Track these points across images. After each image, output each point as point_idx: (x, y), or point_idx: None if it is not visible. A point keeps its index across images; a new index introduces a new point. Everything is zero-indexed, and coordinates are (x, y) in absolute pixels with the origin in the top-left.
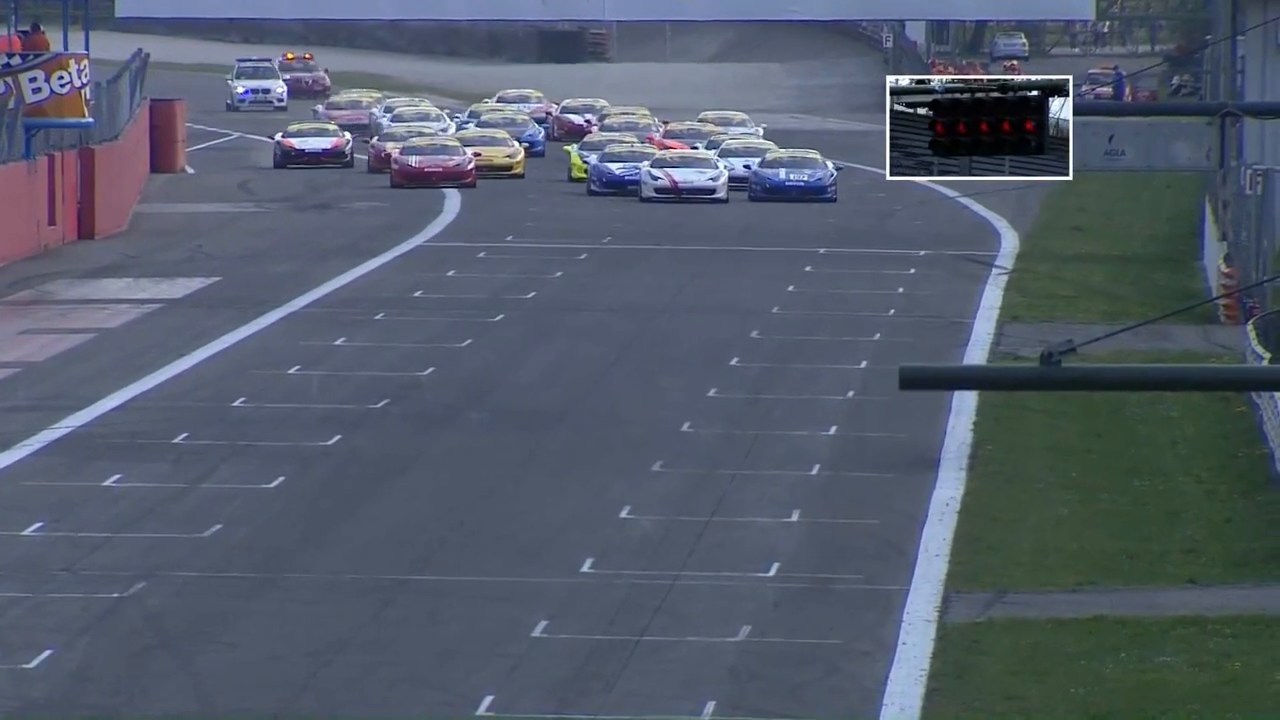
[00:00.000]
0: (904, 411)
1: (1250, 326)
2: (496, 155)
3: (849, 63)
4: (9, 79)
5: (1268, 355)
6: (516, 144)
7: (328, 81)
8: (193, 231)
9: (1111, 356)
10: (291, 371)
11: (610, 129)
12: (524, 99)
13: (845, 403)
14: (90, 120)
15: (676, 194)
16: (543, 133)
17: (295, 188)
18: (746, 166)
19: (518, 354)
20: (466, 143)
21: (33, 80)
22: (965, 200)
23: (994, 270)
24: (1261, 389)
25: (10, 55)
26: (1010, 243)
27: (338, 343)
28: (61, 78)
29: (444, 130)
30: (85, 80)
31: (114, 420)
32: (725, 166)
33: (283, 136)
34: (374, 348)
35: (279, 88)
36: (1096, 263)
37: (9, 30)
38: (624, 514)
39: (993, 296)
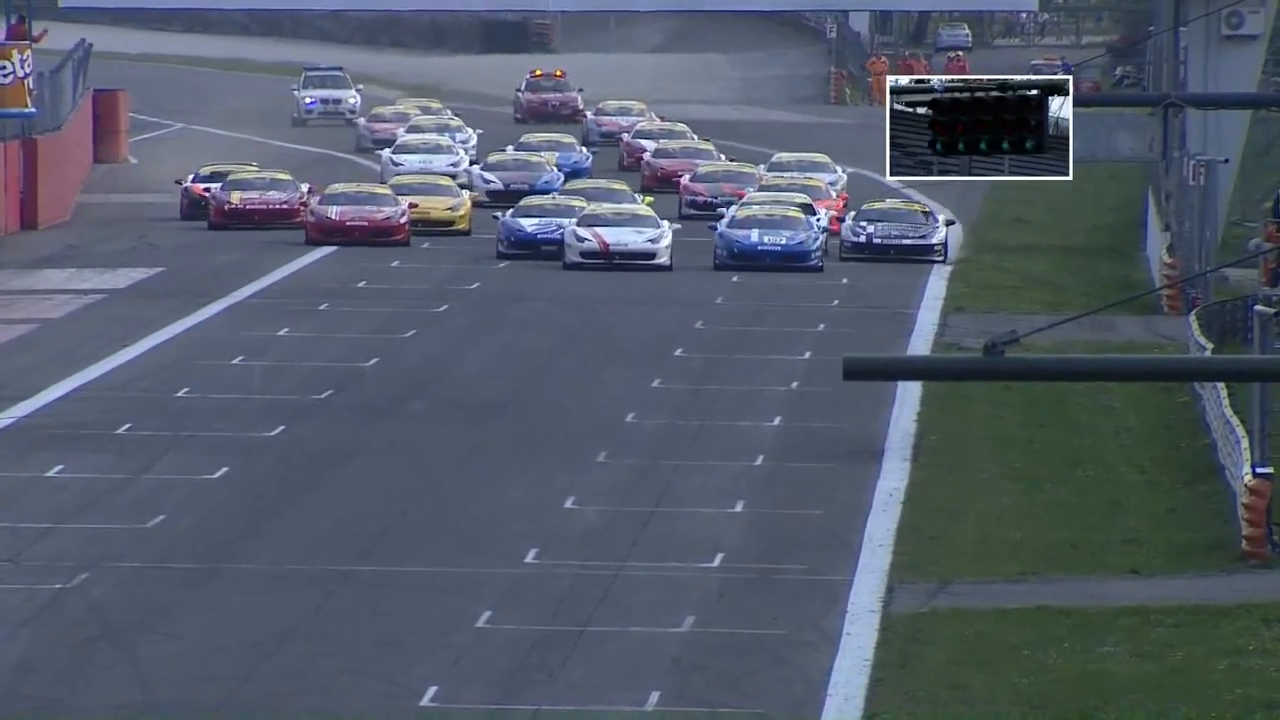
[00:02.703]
0: (848, 402)
1: (1193, 317)
2: (435, 208)
3: (793, 54)
4: None
5: (1210, 346)
6: (464, 193)
7: (580, 104)
8: (137, 222)
9: (1055, 347)
10: (235, 362)
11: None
12: (625, 110)
13: (789, 393)
14: (33, 110)
15: (608, 259)
16: (589, 157)
17: None
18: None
19: (462, 345)
20: (402, 190)
21: None
22: (909, 191)
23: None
24: (1203, 379)
25: None
26: (954, 233)
27: (281, 333)
28: (4, 68)
29: (454, 164)
30: (28, 70)
31: (57, 411)
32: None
33: (222, 190)
34: (317, 338)
35: (351, 98)
36: (1040, 253)
37: None
38: (568, 504)
39: (936, 287)
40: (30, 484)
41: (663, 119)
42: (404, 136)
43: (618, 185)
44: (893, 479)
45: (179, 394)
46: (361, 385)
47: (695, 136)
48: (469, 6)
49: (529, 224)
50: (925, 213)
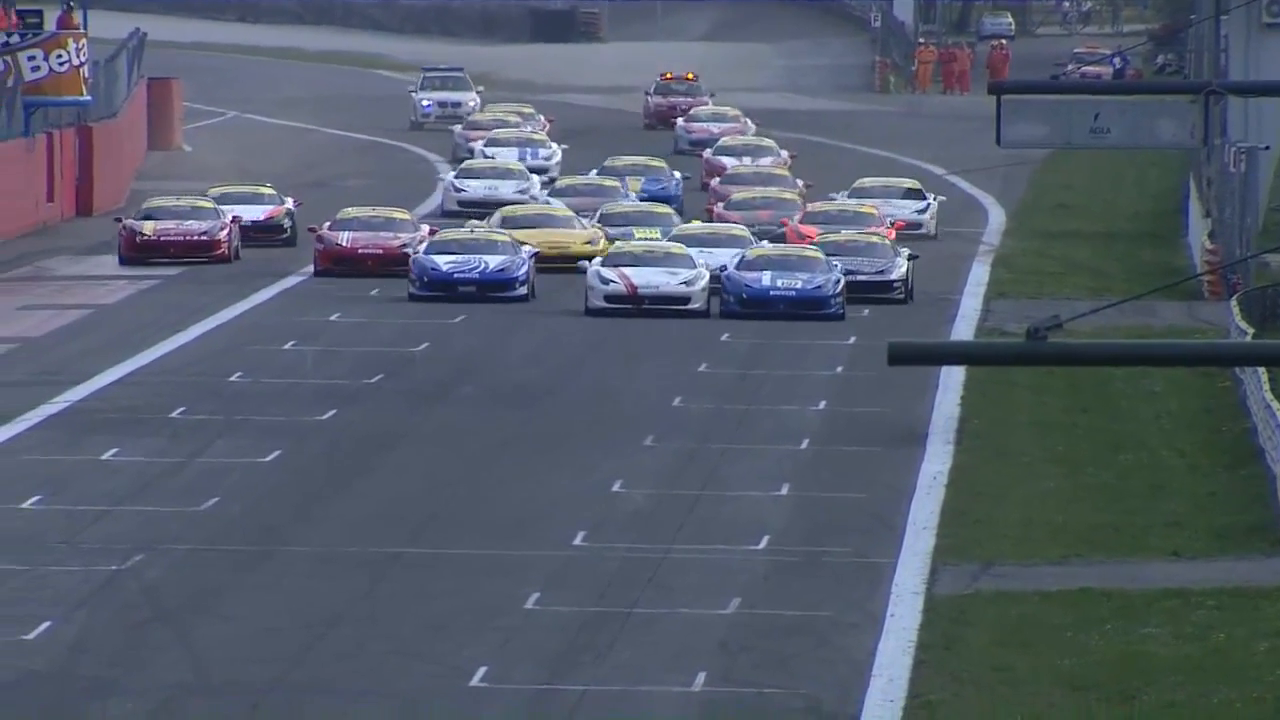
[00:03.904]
0: (892, 387)
1: (1234, 302)
2: (573, 241)
3: (837, 43)
4: (8, 58)
5: (1251, 331)
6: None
7: (710, 105)
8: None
9: (1097, 332)
10: (287, 347)
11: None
12: (719, 117)
13: (834, 378)
14: (88, 99)
15: (635, 303)
16: (679, 183)
17: (288, 165)
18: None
19: (509, 331)
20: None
21: (31, 59)
22: (953, 178)
23: (980, 245)
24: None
25: (9, 34)
26: (997, 219)
27: (333, 318)
28: (60, 56)
29: (523, 190)
30: (83, 59)
31: (111, 395)
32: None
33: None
34: (368, 324)
35: (471, 100)
36: (1082, 239)
37: (7, 9)
38: (616, 488)
39: (980, 273)
40: (85, 467)
41: (752, 122)
42: (469, 161)
43: (660, 209)
44: (936, 463)
45: (232, 378)
46: (412, 370)
47: (785, 153)
48: None
49: (444, 262)
50: (890, 244)
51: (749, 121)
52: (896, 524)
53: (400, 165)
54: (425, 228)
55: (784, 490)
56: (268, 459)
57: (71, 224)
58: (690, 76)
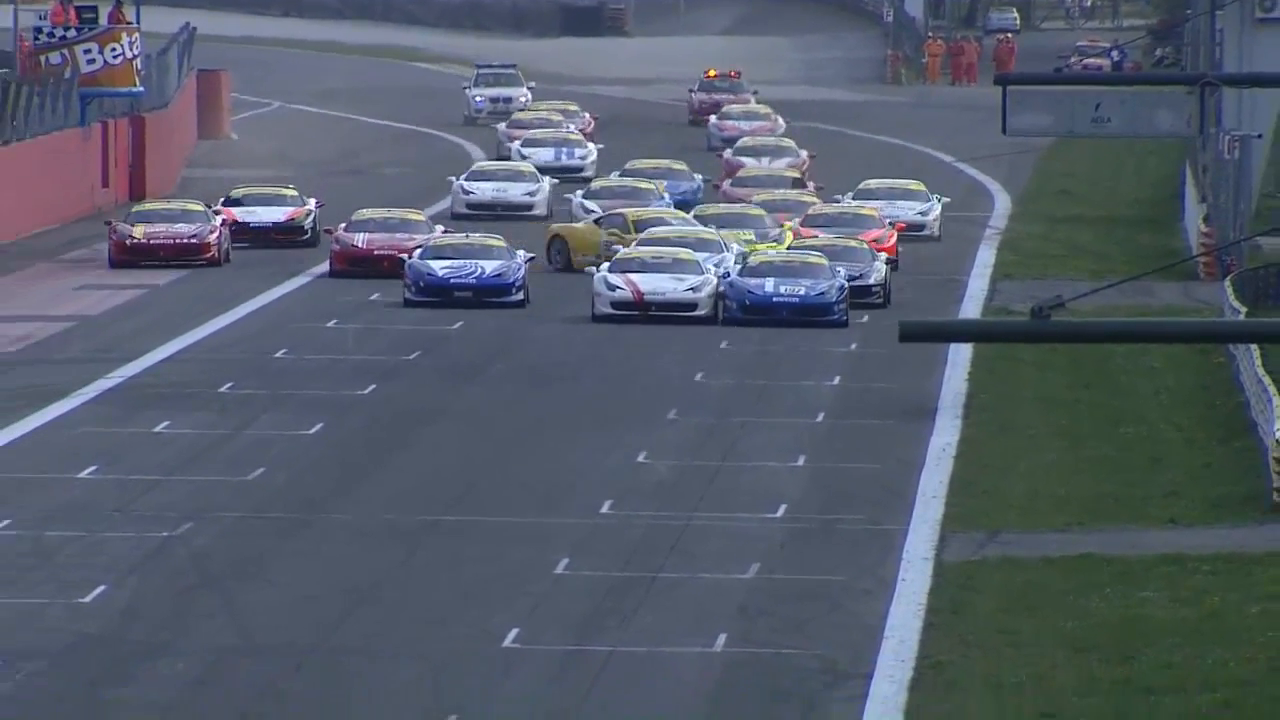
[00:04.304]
0: (903, 363)
1: (1228, 283)
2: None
3: (851, 36)
4: (65, 50)
5: (1244, 310)
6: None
7: (753, 102)
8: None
9: (1098, 311)
10: (329, 325)
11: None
12: (751, 115)
13: (849, 354)
14: (141, 89)
15: (642, 309)
16: (700, 187)
17: (329, 153)
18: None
19: (541, 309)
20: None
21: (87, 52)
22: (961, 165)
23: (986, 229)
24: (1238, 341)
25: (66, 28)
26: (1003, 204)
27: (373, 298)
28: (114, 49)
29: (531, 193)
30: (136, 52)
31: (162, 371)
32: (711, 268)
33: (223, 204)
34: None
35: (522, 96)
36: (1084, 223)
37: (65, 5)
38: (640, 459)
39: (986, 255)
40: (138, 439)
41: (782, 119)
42: (480, 163)
43: (754, 211)
44: (945, 436)
45: (277, 355)
46: (448, 348)
47: (804, 153)
48: None
49: (440, 267)
50: (868, 249)
51: (780, 119)
52: (907, 494)
53: (437, 153)
54: (439, 229)
55: (800, 461)
56: (310, 432)
57: (125, 209)
58: (734, 74)
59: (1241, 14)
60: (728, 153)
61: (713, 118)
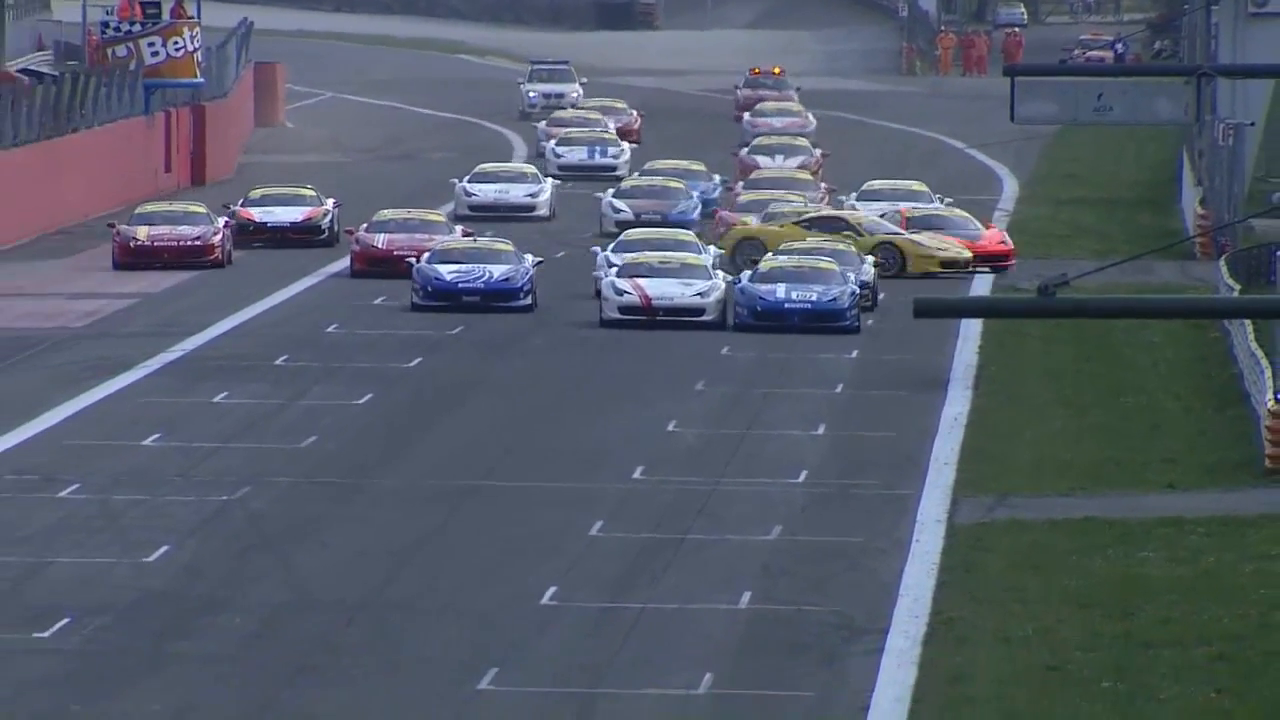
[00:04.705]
0: (918, 338)
1: (1223, 262)
2: (946, 248)
3: (868, 30)
4: (130, 44)
5: (1238, 287)
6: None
7: (795, 99)
8: (290, 179)
9: (1100, 289)
10: (377, 302)
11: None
12: (784, 112)
13: (866, 329)
14: (201, 80)
15: (650, 314)
16: (718, 188)
17: (378, 140)
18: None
19: (576, 284)
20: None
21: (151, 45)
22: (972, 151)
23: (995, 211)
24: (1232, 317)
25: (132, 23)
26: (1011, 188)
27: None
28: (176, 43)
29: (534, 194)
30: (197, 45)
31: (221, 345)
32: (716, 274)
33: (241, 205)
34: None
35: (574, 91)
36: (1087, 205)
37: (131, 1)
38: (670, 428)
39: (995, 236)
40: (198, 409)
41: (812, 116)
42: (482, 165)
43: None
44: (956, 405)
45: (328, 329)
46: (487, 323)
47: (817, 151)
48: None
49: (448, 271)
50: (852, 251)
51: (810, 116)
52: (921, 460)
53: (480, 140)
54: (459, 229)
55: (820, 430)
56: (360, 402)
57: (187, 191)
58: (777, 71)
59: (1235, 9)
60: (743, 151)
61: (746, 115)
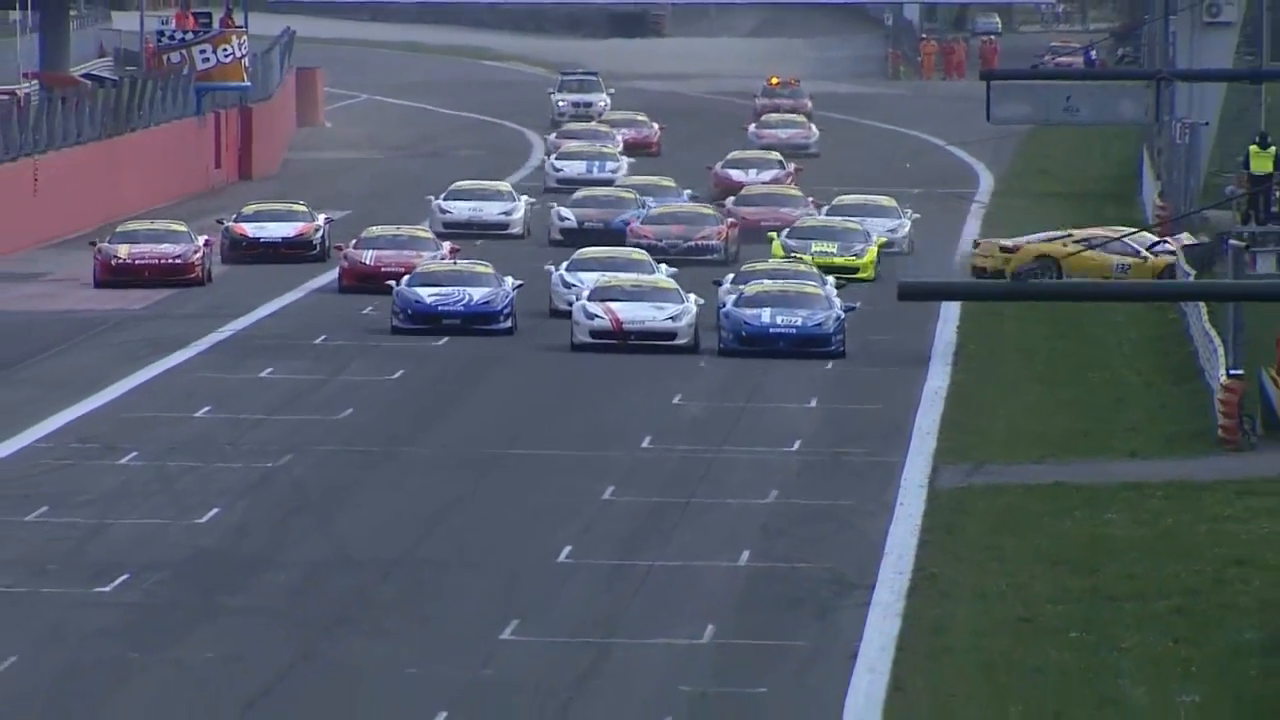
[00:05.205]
0: (902, 318)
1: (1180, 249)
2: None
3: (857, 38)
4: (183, 51)
5: (1194, 273)
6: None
7: (809, 107)
8: (331, 174)
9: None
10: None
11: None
12: (788, 123)
13: (855, 312)
14: (248, 84)
15: (621, 338)
16: (686, 198)
17: (410, 138)
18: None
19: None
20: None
21: (202, 52)
22: (952, 148)
23: (973, 204)
24: (1188, 300)
25: (185, 31)
26: (987, 182)
27: (365, 310)
28: (225, 49)
29: (507, 213)
30: (244, 51)
31: (267, 325)
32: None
33: (234, 220)
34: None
35: (602, 101)
36: (1058, 198)
37: (185, 11)
38: (676, 401)
39: (973, 227)
40: (246, 384)
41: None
42: (457, 183)
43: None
44: (937, 380)
45: (365, 311)
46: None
47: (791, 166)
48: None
49: (428, 294)
50: (814, 269)
51: (814, 127)
52: (905, 430)
53: (502, 139)
54: (447, 246)
55: (813, 403)
56: (393, 377)
57: (235, 186)
58: (794, 81)
59: (1192, 18)
60: (717, 166)
61: (752, 125)
